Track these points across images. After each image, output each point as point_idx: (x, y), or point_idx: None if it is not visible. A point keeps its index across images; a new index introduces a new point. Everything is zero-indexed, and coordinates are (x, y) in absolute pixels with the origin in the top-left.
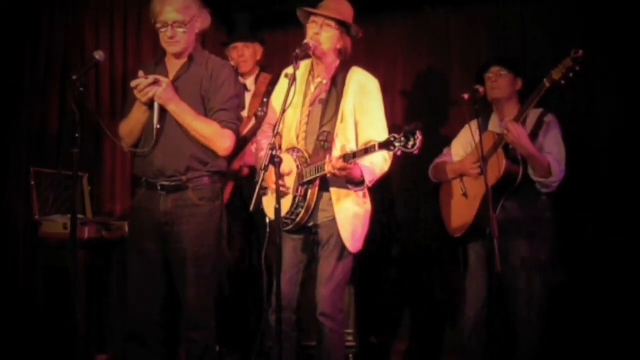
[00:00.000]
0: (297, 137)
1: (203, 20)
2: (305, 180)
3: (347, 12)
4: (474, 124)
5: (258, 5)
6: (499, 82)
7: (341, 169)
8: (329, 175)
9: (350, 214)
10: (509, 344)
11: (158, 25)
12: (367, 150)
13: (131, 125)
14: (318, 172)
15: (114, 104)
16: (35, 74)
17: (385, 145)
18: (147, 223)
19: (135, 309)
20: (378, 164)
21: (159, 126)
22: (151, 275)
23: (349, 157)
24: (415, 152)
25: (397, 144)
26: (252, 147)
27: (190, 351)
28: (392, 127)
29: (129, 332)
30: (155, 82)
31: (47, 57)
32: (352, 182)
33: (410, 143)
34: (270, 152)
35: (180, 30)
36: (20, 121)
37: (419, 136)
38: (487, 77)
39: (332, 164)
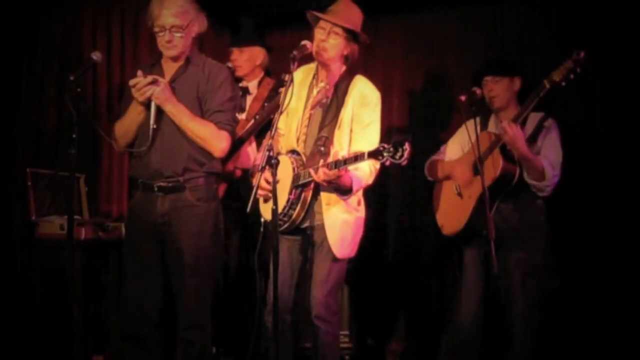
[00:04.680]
0: (297, 140)
1: (200, 24)
2: (300, 182)
3: (356, 19)
4: (471, 126)
5: (263, 8)
6: (496, 90)
7: (329, 178)
8: (318, 181)
9: (338, 221)
10: (503, 346)
11: (156, 29)
12: (357, 158)
13: (126, 125)
14: (310, 176)
15: (111, 105)
16: (32, 74)
17: (374, 154)
18: (145, 224)
19: (133, 310)
20: (364, 175)
21: (155, 126)
22: (148, 277)
23: (339, 164)
24: (403, 164)
25: (385, 154)
26: (248, 149)
27: (187, 352)
28: (389, 130)
29: (126, 333)
30: (154, 82)
31: (44, 58)
32: (339, 189)
33: (398, 154)
34: (267, 153)
35: (178, 34)
36: (17, 122)
37: (407, 148)
38: (483, 85)
39: (317, 175)
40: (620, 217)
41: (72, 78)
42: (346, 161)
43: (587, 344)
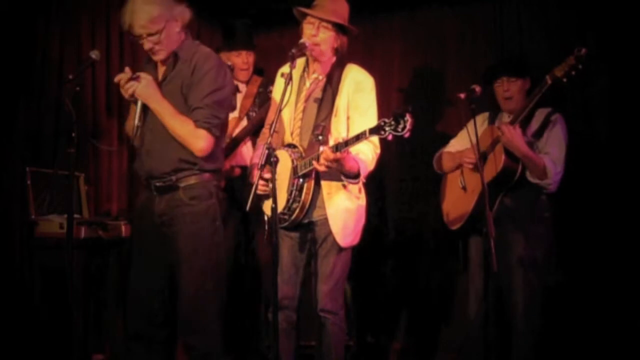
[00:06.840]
0: (292, 134)
1: (181, 17)
2: (300, 173)
3: (343, 11)
4: (471, 126)
5: (253, 6)
6: (511, 90)
7: (332, 161)
8: (320, 169)
9: (340, 209)
10: (505, 342)
11: (133, 37)
12: (358, 137)
13: (129, 123)
14: (311, 165)
15: (111, 104)
16: (32, 74)
17: (376, 130)
18: (148, 224)
19: (138, 310)
20: (368, 160)
21: (139, 124)
22: (153, 275)
23: (341, 146)
24: (406, 135)
25: (387, 128)
26: (244, 147)
27: (190, 358)
28: None
29: (131, 332)
30: (135, 78)
31: (43, 57)
32: (347, 174)
33: (400, 126)
34: (267, 151)
35: (155, 38)
36: (16, 121)
37: (408, 118)
38: (497, 86)
39: (322, 156)
40: (622, 213)
41: (71, 77)
42: (347, 142)
43: (589, 340)
